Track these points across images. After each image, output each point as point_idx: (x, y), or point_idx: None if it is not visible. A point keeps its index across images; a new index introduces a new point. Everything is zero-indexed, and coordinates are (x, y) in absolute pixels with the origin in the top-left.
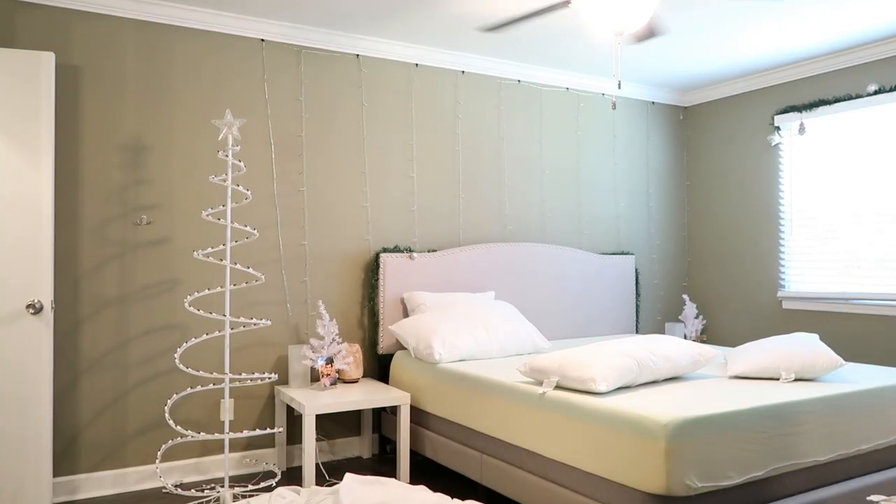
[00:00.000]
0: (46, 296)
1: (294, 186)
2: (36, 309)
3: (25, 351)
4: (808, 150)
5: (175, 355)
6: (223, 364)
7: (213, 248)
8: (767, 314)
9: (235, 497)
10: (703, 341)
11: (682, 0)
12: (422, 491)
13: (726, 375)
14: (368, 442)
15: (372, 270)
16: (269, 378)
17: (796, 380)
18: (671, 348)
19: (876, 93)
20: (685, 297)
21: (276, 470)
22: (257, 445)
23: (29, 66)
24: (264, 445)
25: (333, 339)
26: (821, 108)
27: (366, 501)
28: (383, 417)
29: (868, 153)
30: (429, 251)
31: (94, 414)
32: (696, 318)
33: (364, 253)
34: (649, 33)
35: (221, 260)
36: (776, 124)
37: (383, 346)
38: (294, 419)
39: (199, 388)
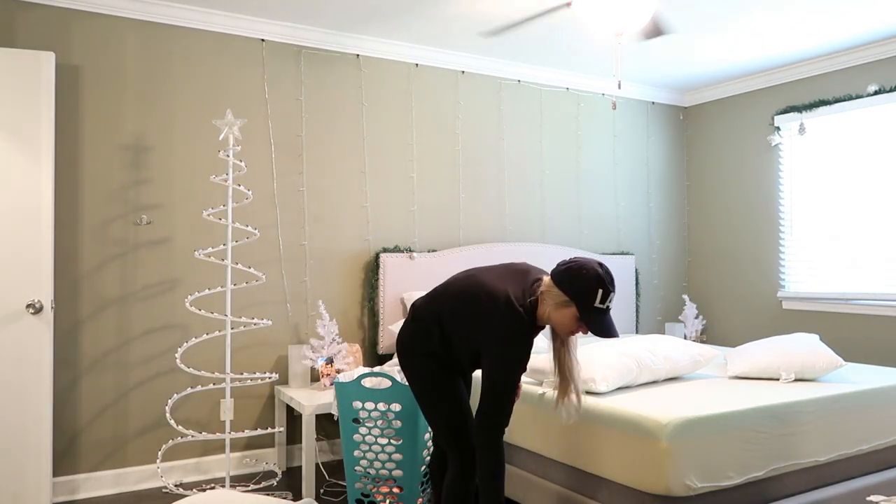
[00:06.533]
0: (46, 296)
1: (294, 186)
2: (36, 309)
3: (25, 351)
4: (808, 151)
5: (176, 355)
6: (224, 364)
7: (213, 247)
8: (767, 314)
9: None
10: (703, 341)
11: (683, 0)
12: None
13: (726, 375)
14: None
15: (372, 270)
16: (270, 378)
17: (796, 380)
18: (671, 348)
19: (876, 93)
20: (685, 297)
21: (277, 470)
22: (257, 445)
23: (29, 66)
24: (264, 445)
25: (333, 339)
26: (821, 109)
27: None
28: None
29: (868, 153)
30: (429, 251)
31: (95, 413)
32: (696, 318)
33: (364, 253)
34: (656, 31)
35: (223, 260)
36: (776, 124)
37: (383, 346)
38: (294, 419)
39: (199, 387)
